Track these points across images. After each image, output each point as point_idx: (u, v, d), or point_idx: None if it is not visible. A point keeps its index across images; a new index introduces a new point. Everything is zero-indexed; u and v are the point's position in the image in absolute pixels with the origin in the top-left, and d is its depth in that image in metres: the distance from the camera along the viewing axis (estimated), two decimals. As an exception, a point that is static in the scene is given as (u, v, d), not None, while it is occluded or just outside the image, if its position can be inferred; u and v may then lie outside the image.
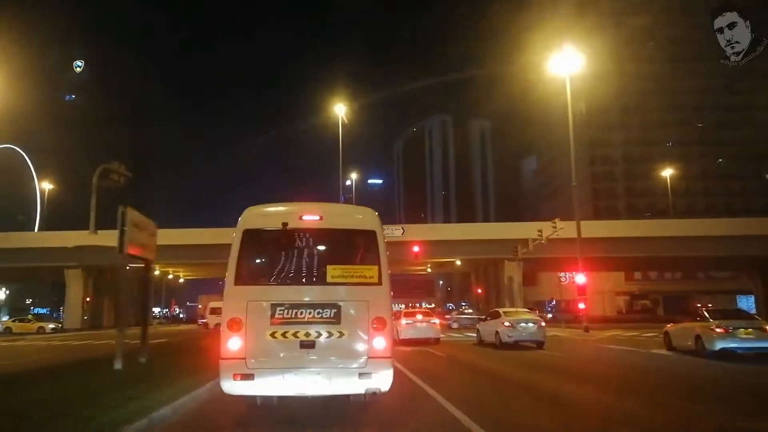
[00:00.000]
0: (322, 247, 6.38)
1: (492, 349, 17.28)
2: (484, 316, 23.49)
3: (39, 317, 47.95)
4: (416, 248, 34.05)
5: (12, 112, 55.55)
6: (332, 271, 6.14)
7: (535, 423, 6.43)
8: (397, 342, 17.32)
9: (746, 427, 6.33)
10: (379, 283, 6.19)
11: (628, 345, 19.52)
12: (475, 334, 21.09)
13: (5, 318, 55.50)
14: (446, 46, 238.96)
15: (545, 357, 14.97)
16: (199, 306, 68.94)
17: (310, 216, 6.35)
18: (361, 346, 5.98)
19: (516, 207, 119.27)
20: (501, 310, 19.79)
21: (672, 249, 40.37)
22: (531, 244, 34.44)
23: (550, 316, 49.46)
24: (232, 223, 6.52)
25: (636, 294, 67.70)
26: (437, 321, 21.19)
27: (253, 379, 5.78)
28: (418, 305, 57.66)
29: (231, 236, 6.29)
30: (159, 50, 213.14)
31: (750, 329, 13.50)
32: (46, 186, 65.13)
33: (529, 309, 24.79)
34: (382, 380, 5.92)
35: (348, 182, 51.76)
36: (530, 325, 17.40)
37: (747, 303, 54.73)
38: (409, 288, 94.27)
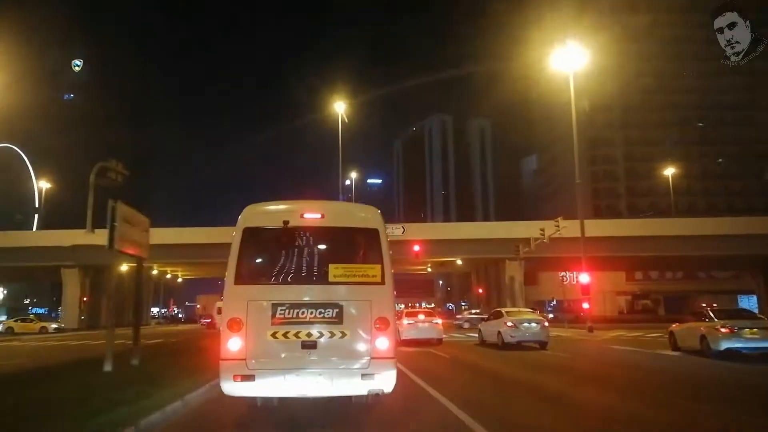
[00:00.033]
0: (323, 246, 6.29)
1: (494, 350, 17.09)
2: (486, 316, 23.33)
3: (39, 317, 47.77)
4: (417, 247, 33.88)
5: (10, 112, 55.41)
6: (334, 270, 6.05)
7: (541, 425, 6.30)
8: (398, 342, 17.11)
9: (750, 424, 6.30)
10: (382, 282, 6.09)
11: (633, 345, 19.36)
12: (476, 335, 20.91)
13: (3, 318, 55.38)
14: (446, 45, 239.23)
15: (550, 358, 14.76)
16: (198, 306, 68.85)
17: (312, 214, 6.25)
18: (363, 347, 5.88)
19: (516, 206, 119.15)
20: (503, 310, 19.62)
21: (676, 248, 40.30)
22: (533, 243, 34.30)
23: (551, 316, 49.30)
24: (232, 223, 6.41)
25: (637, 294, 67.63)
26: (439, 321, 20.88)
27: (253, 380, 5.67)
28: (417, 305, 57.55)
29: (231, 235, 6.18)
30: (159, 50, 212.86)
31: (755, 329, 13.50)
32: (45, 185, 65.01)
33: (531, 309, 24.63)
34: (385, 381, 5.82)
35: (348, 182, 51.71)
36: (533, 325, 17.19)
37: (748, 303, 54.59)
38: (408, 288, 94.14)
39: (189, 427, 6.43)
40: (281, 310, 5.81)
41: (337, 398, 6.10)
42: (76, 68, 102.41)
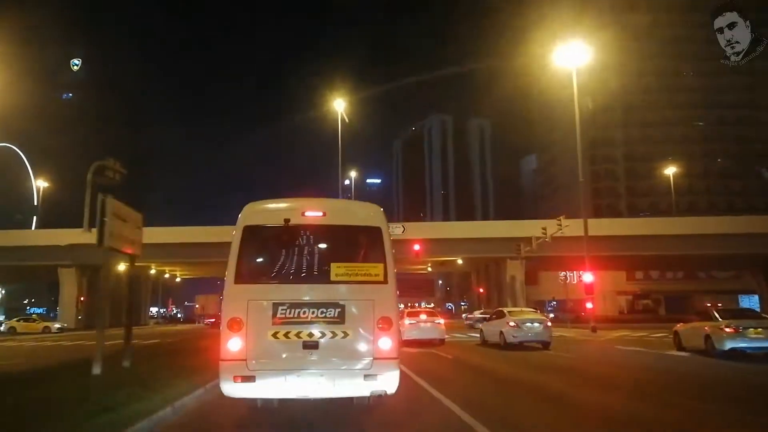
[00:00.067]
0: (325, 245, 6.21)
1: (497, 350, 16.91)
2: (487, 316, 23.14)
3: (41, 317, 47.60)
4: (417, 247, 33.79)
5: (9, 111, 55.26)
6: (336, 269, 5.95)
7: (548, 426, 6.18)
8: (400, 343, 16.92)
9: (755, 424, 6.32)
10: (385, 281, 5.99)
11: (638, 345, 19.19)
12: (478, 335, 20.73)
13: (0, 318, 55.20)
14: (446, 45, 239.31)
15: (556, 359, 14.53)
16: (197, 306, 68.70)
17: (313, 212, 6.18)
18: (366, 347, 5.77)
19: (515, 206, 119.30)
20: (506, 310, 19.44)
21: (677, 247, 40.26)
22: (534, 242, 34.17)
23: (551, 315, 49.15)
24: (231, 223, 6.29)
25: (638, 294, 67.57)
26: (442, 321, 20.61)
27: (254, 381, 5.56)
28: (417, 305, 57.40)
29: (230, 234, 6.06)
30: (159, 50, 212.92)
31: (760, 329, 13.51)
32: (43, 184, 64.83)
33: (532, 309, 24.45)
34: (387, 382, 5.72)
35: (347, 182, 51.59)
36: (536, 325, 16.99)
37: (749, 302, 54.58)
38: (408, 287, 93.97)
39: None
40: (282, 309, 5.70)
41: (338, 400, 5.97)
42: (75, 67, 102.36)
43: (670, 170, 57.62)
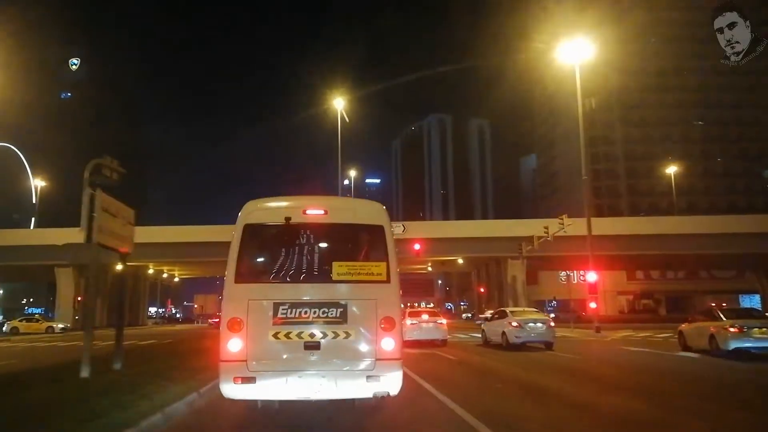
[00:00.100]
0: (326, 243, 6.08)
1: (499, 351, 16.69)
2: (489, 316, 22.93)
3: (44, 317, 47.33)
4: (417, 246, 33.65)
5: (7, 110, 55.09)
6: (338, 268, 5.81)
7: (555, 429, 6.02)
8: (402, 343, 16.70)
9: (760, 424, 6.32)
10: (388, 280, 5.87)
11: (644, 346, 18.98)
12: (479, 335, 20.54)
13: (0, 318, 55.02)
14: (446, 44, 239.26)
15: (560, 359, 14.27)
16: (196, 305, 68.56)
17: (315, 210, 6.04)
18: (368, 347, 5.64)
19: (515, 205, 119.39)
20: (508, 310, 19.25)
21: (680, 246, 40.16)
22: (536, 241, 33.98)
23: (552, 316, 49.00)
24: (230, 222, 6.16)
25: (639, 293, 67.47)
26: (444, 321, 20.35)
27: (254, 382, 5.43)
28: (416, 305, 57.17)
29: (230, 233, 5.92)
30: (159, 50, 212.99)
31: (764, 328, 13.50)
32: (41, 183, 64.63)
33: (534, 308, 24.25)
34: (391, 383, 5.59)
35: (346, 181, 51.42)
36: (539, 325, 16.77)
37: (750, 302, 54.51)
38: (408, 287, 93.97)
39: None
40: (283, 309, 5.57)
41: (339, 401, 5.83)
42: (74, 67, 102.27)
43: (671, 169, 57.50)
